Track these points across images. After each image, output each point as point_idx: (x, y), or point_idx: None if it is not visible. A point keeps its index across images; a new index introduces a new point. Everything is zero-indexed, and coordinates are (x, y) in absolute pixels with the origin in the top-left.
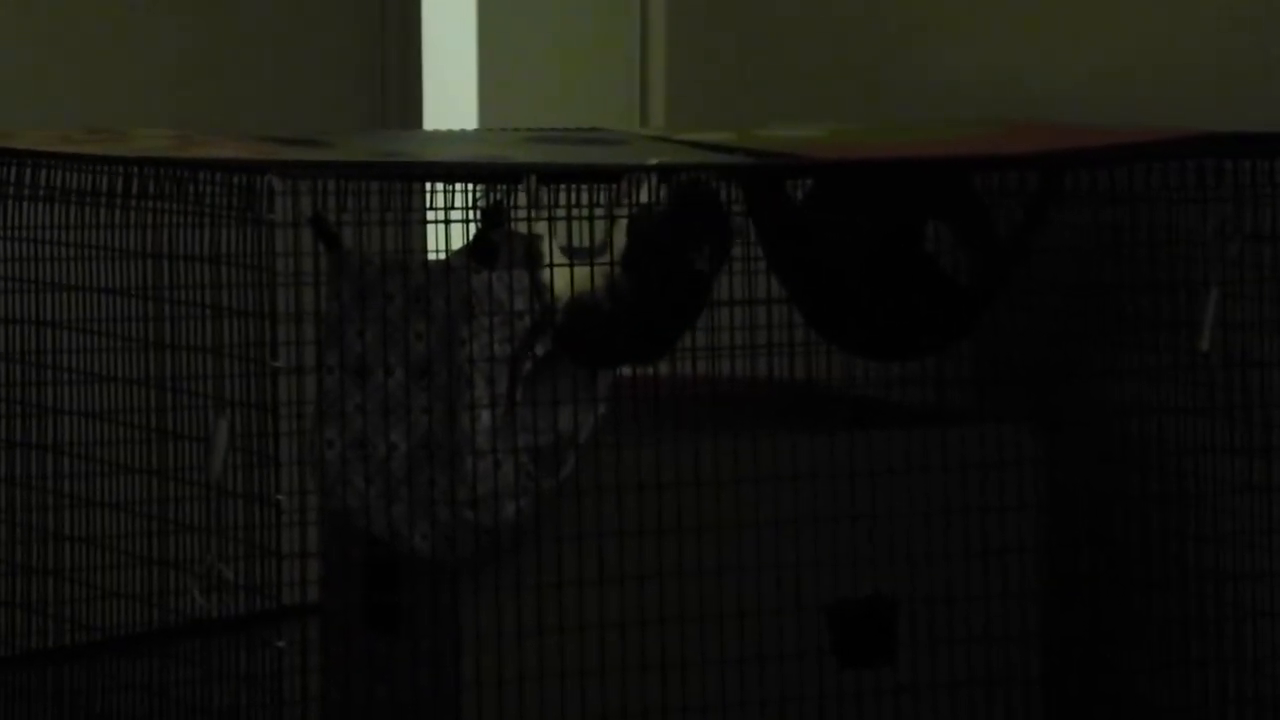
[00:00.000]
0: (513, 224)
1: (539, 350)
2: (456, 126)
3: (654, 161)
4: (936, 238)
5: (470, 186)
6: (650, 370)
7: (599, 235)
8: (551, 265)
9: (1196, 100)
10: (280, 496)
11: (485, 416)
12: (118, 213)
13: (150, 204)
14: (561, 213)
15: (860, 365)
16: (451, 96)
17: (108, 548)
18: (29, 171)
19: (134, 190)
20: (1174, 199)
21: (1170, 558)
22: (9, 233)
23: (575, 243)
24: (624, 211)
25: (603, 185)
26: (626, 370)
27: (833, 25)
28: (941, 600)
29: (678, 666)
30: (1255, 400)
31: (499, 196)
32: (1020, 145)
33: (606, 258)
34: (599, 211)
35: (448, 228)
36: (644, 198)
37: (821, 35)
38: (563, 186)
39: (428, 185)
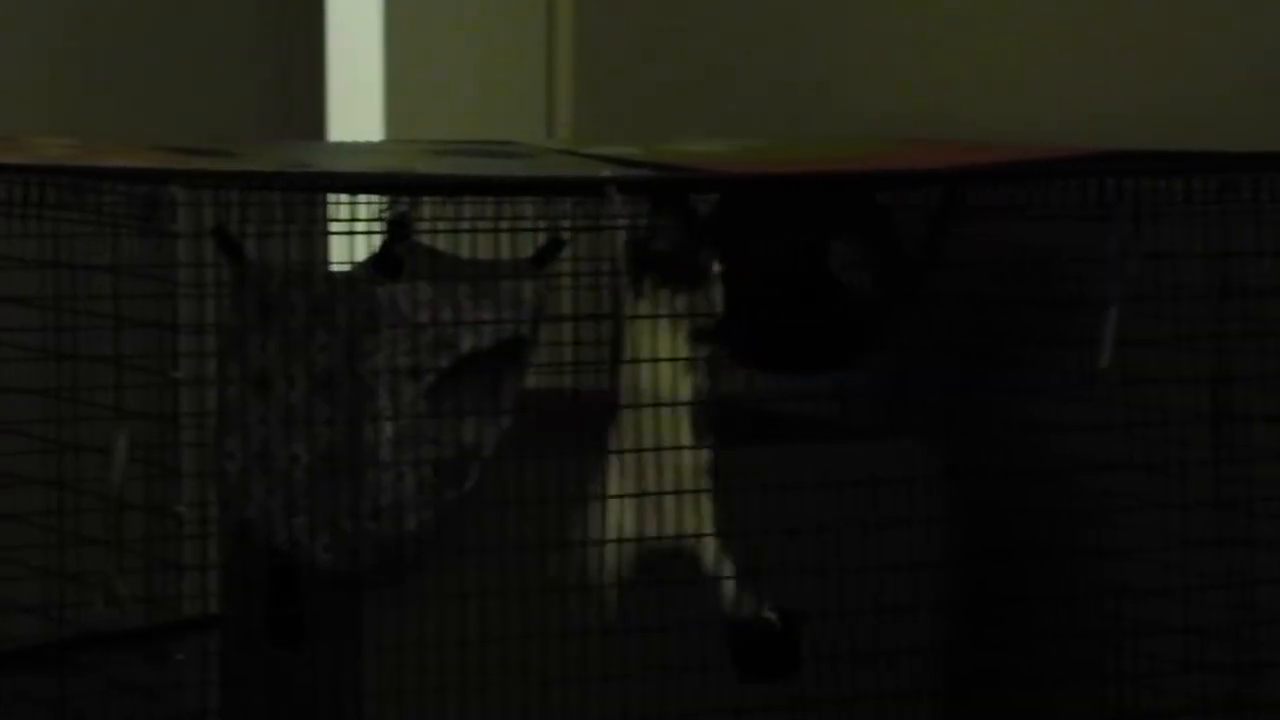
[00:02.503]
0: (417, 236)
1: (443, 363)
2: (362, 138)
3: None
4: (841, 253)
5: (375, 198)
6: (555, 384)
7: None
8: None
9: (1099, 118)
10: (181, 508)
11: (388, 428)
12: (16, 222)
13: (50, 213)
14: (466, 225)
15: (763, 380)
16: (357, 108)
17: (6, 560)
18: None
19: (33, 199)
20: (1074, 216)
21: (1071, 573)
22: None
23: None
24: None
25: (510, 198)
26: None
27: (739, 41)
28: (844, 615)
29: (579, 680)
30: (1154, 417)
31: (403, 209)
32: (923, 161)
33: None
34: (504, 225)
35: (352, 240)
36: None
37: (728, 51)
38: (468, 199)
39: (332, 197)
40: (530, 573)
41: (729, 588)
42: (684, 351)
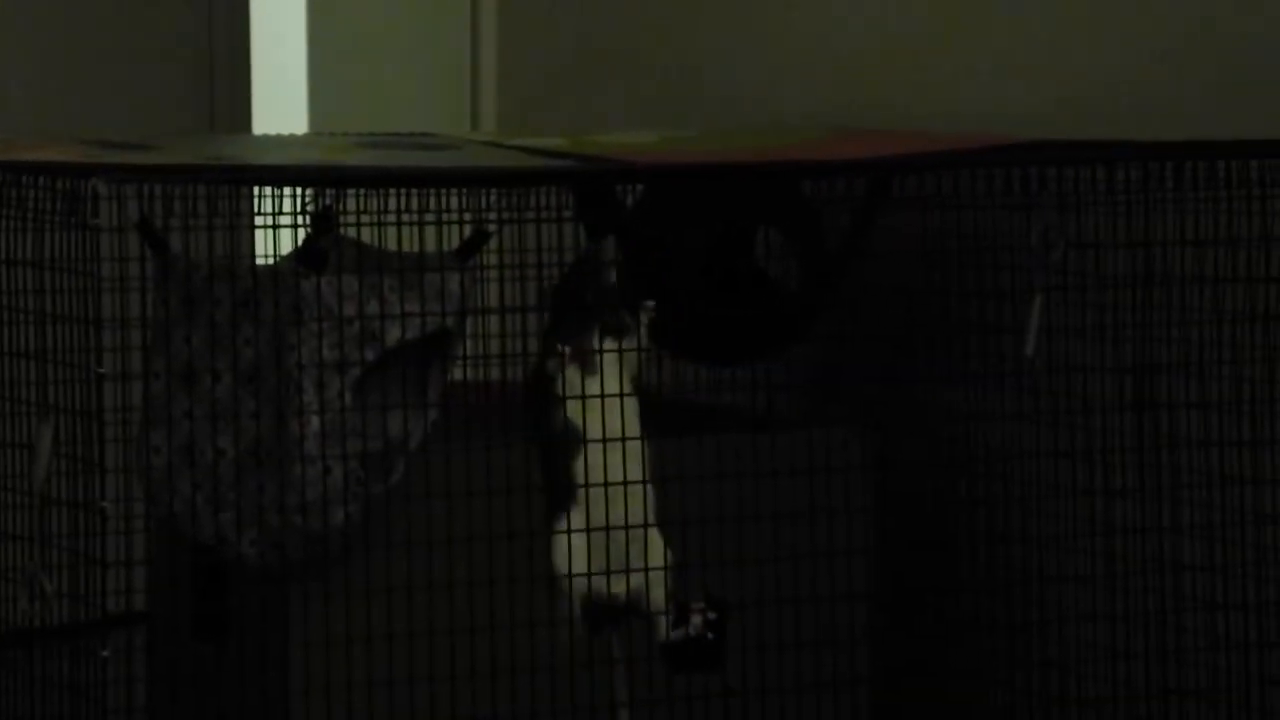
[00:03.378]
0: (342, 229)
1: (369, 356)
2: (286, 131)
3: (485, 164)
4: (766, 243)
5: (299, 191)
6: (481, 376)
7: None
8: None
9: (1024, 108)
10: (105, 504)
11: (314, 422)
12: None
13: None
14: (391, 218)
15: (691, 370)
16: (281, 100)
17: None
18: None
19: None
20: (999, 205)
21: (995, 561)
22: None
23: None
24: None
25: (435, 191)
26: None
27: (663, 32)
28: (771, 604)
29: (507, 672)
30: (1077, 405)
31: (328, 201)
32: (848, 151)
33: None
34: (429, 217)
35: (276, 233)
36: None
37: (652, 41)
38: (393, 192)
39: (256, 189)
40: (458, 566)
41: (665, 622)
42: (628, 390)
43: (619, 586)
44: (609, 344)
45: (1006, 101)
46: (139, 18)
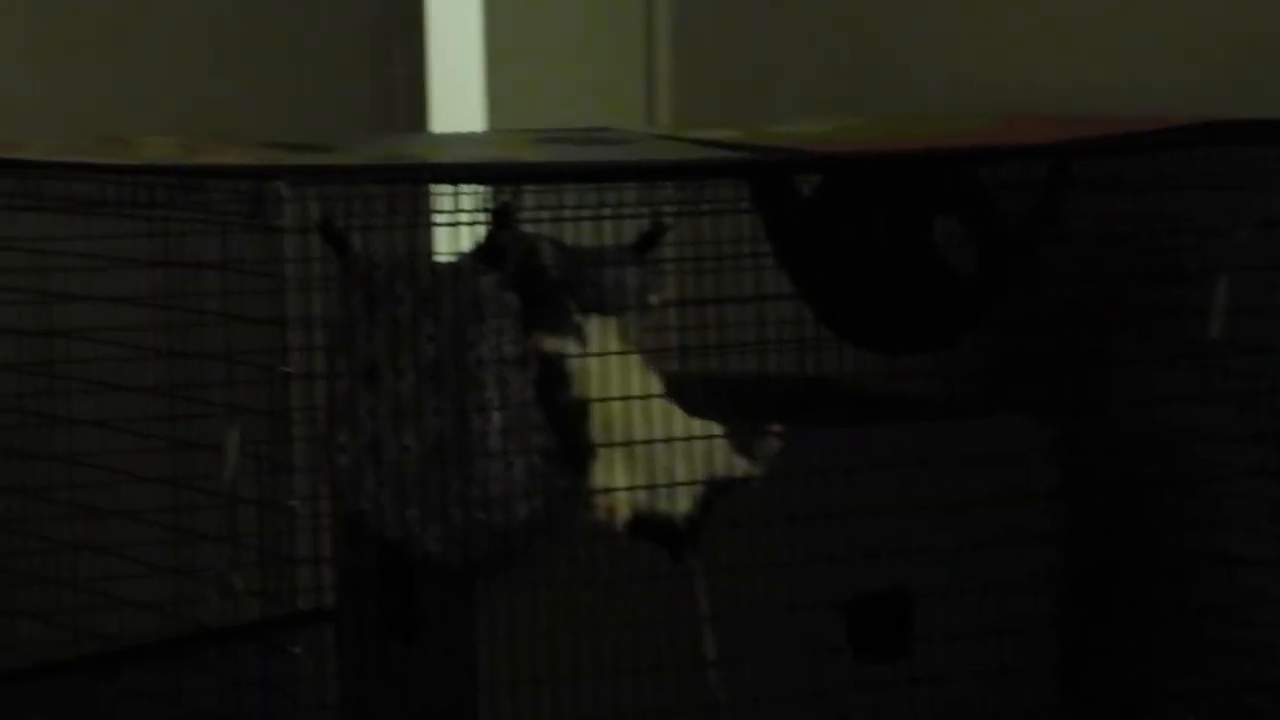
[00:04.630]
0: (520, 225)
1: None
2: (464, 128)
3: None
4: (945, 231)
5: (478, 188)
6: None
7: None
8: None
9: (1197, 88)
10: (294, 502)
11: (496, 417)
12: (125, 222)
13: (158, 212)
14: (569, 213)
15: (870, 360)
16: (458, 99)
17: (122, 557)
18: (37, 182)
19: (142, 198)
20: (1182, 186)
21: (1183, 545)
22: (18, 244)
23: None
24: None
25: (610, 185)
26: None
27: (838, 21)
28: (956, 593)
29: (694, 664)
30: (1266, 386)
31: (506, 198)
32: (1024, 136)
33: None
34: (607, 212)
35: (456, 230)
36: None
37: (826, 31)
38: (570, 187)
39: (435, 187)
40: (641, 559)
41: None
42: (631, 362)
43: (662, 505)
44: (550, 339)
45: (1180, 84)
46: (316, 19)
